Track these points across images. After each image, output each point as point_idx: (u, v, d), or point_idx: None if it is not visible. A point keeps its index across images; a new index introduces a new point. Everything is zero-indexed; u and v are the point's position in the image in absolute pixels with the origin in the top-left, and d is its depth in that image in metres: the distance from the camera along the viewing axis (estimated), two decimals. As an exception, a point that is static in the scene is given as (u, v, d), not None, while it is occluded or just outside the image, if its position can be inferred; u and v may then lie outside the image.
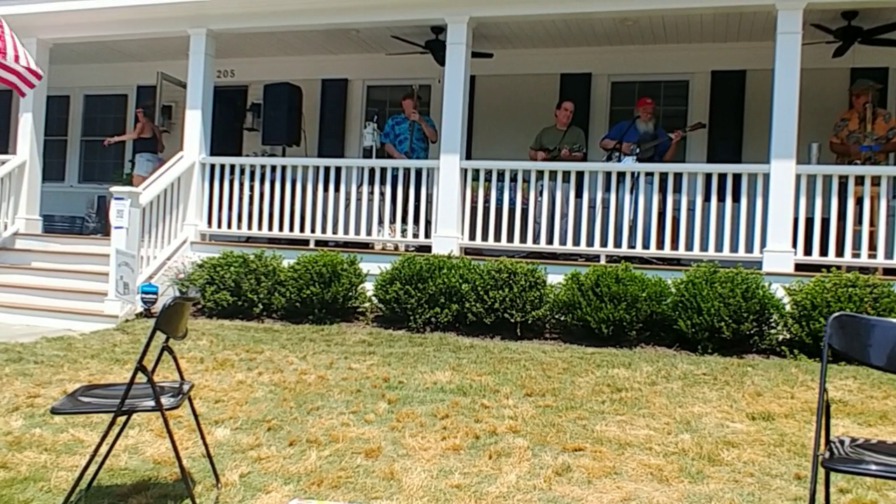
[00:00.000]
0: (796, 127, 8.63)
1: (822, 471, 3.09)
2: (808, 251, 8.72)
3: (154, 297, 9.53)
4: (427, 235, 10.05)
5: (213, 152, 11.17)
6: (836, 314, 3.34)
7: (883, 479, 3.78)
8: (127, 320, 9.31)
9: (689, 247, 9.09)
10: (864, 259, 8.66)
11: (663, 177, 9.42)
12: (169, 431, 3.71)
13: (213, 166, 10.95)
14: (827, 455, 3.07)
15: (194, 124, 10.96)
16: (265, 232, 10.69)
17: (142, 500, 3.98)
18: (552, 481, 4.30)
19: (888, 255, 8.55)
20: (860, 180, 8.76)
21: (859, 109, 9.46)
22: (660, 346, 8.04)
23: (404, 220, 10.20)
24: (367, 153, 11.41)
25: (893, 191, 8.64)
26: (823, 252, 8.68)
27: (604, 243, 9.43)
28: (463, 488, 4.18)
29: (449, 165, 9.79)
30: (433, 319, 8.62)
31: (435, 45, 11.20)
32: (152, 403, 3.63)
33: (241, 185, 10.85)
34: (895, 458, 3.04)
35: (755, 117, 10.88)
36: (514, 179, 9.86)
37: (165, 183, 10.44)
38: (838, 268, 8.12)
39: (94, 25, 11.39)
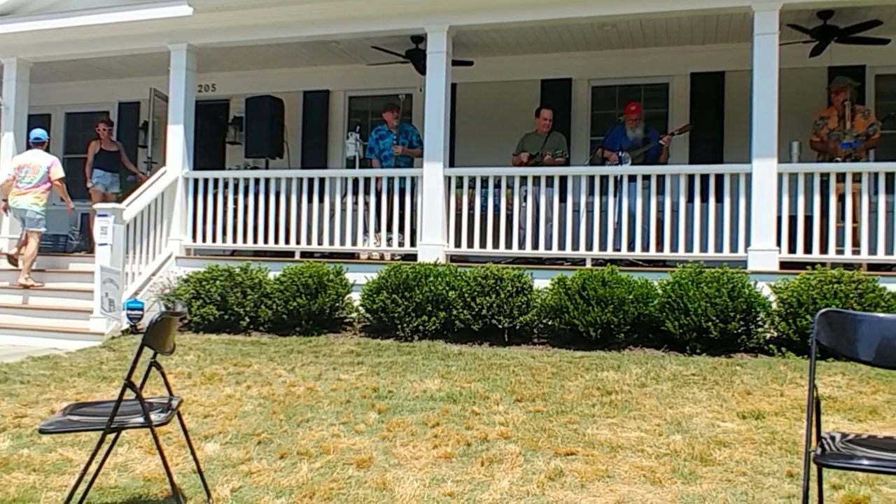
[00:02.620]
0: (776, 126, 8.68)
1: (814, 468, 3.09)
2: (792, 249, 8.76)
3: (140, 313, 9.49)
4: (413, 244, 10.04)
5: (197, 166, 11.17)
6: (823, 310, 3.33)
7: (875, 473, 3.81)
8: (113, 337, 9.26)
9: (675, 248, 9.13)
10: (848, 255, 8.71)
11: (647, 179, 9.45)
12: (159, 447, 3.69)
13: (196, 181, 10.93)
14: (819, 452, 3.06)
15: (177, 139, 10.96)
16: (250, 245, 10.68)
17: (133, 518, 3.97)
18: (545, 486, 4.29)
19: (872, 251, 8.61)
20: (842, 177, 8.82)
21: (838, 107, 9.53)
22: (648, 347, 8.06)
23: (389, 230, 10.19)
24: (350, 164, 11.39)
25: (875, 187, 8.68)
26: (808, 249, 8.72)
27: (589, 247, 9.45)
28: (456, 496, 4.18)
29: (432, 173, 9.80)
30: (421, 328, 8.61)
31: (415, 55, 11.22)
32: (141, 420, 3.62)
33: (225, 198, 10.84)
34: (886, 453, 3.04)
35: (735, 118, 10.92)
36: (497, 186, 9.87)
37: (149, 198, 10.41)
38: (823, 265, 8.14)
39: (74, 43, 11.39)
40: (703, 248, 9.13)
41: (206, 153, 12.57)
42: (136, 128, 13.77)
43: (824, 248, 8.70)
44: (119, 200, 10.76)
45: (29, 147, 11.26)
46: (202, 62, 11.43)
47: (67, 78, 13.87)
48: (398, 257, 10.19)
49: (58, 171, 10.98)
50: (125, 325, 9.49)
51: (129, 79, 13.73)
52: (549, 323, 8.47)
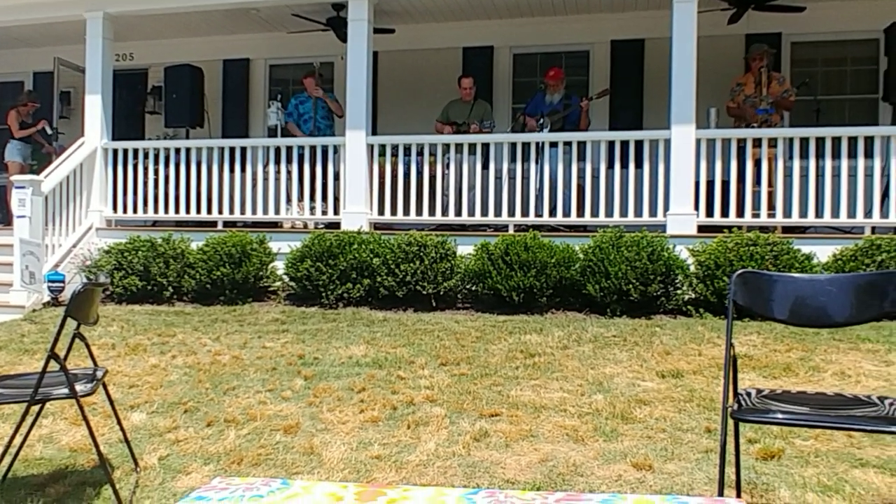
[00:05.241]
0: (694, 93, 8.83)
1: (731, 423, 3.20)
2: (710, 213, 8.94)
3: (61, 285, 9.34)
4: (336, 212, 10.02)
5: (116, 137, 10.93)
6: (740, 271, 3.45)
7: (788, 426, 3.96)
8: (34, 310, 9.10)
9: (595, 213, 9.24)
10: (763, 219, 8.90)
11: (568, 145, 9.56)
12: (85, 418, 3.68)
13: (115, 151, 10.72)
14: (736, 407, 3.18)
15: (95, 109, 10.72)
16: (172, 215, 10.55)
17: (60, 488, 3.95)
18: (471, 447, 4.37)
19: (787, 214, 8.84)
20: (758, 143, 9.01)
21: (755, 73, 9.72)
22: (570, 310, 8.17)
23: (312, 198, 10.15)
24: (272, 132, 11.28)
25: (790, 152, 8.89)
26: (725, 213, 8.91)
27: (512, 213, 9.53)
28: (383, 459, 4.24)
29: (355, 142, 9.77)
30: (345, 295, 8.63)
31: (336, 23, 11.13)
32: (66, 391, 3.59)
33: (146, 168, 10.67)
34: (799, 407, 3.17)
35: (655, 85, 11.08)
36: (420, 153, 9.88)
37: (67, 170, 10.19)
38: (739, 228, 8.32)
39: (-13, 11, 11.05)
40: (624, 213, 9.28)
41: (125, 123, 12.33)
42: (51, 98, 13.42)
43: (741, 212, 8.91)
44: (36, 173, 10.55)
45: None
46: (119, 30, 11.16)
47: (-21, 47, 13.48)
48: (322, 226, 10.15)
49: None
50: (46, 297, 9.32)
51: (45, 48, 13.31)
52: (473, 288, 8.55)
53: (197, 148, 10.56)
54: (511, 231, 9.27)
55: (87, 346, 4.13)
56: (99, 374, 3.95)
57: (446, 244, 8.59)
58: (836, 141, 8.73)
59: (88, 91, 10.82)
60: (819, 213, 8.76)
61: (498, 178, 9.70)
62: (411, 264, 8.41)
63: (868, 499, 3.66)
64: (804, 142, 8.85)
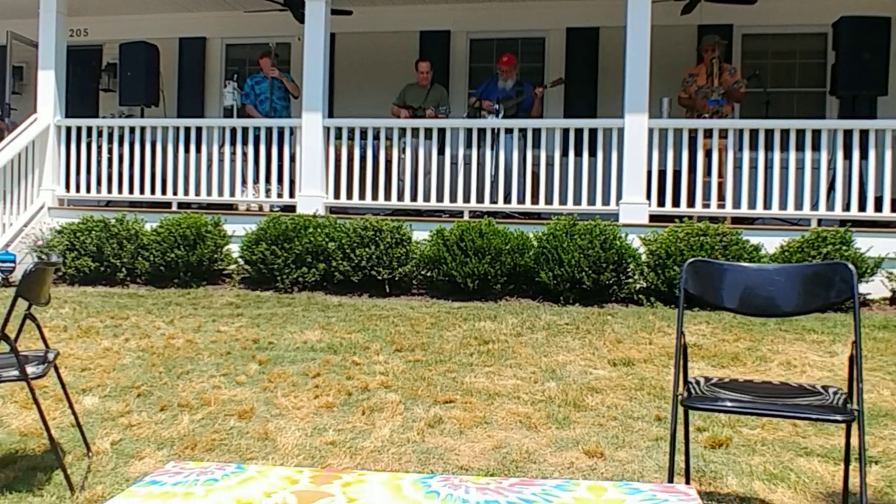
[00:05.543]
0: (648, 82, 8.92)
1: (681, 411, 3.28)
2: (661, 202, 9.06)
3: (11, 265, 9.21)
4: (292, 195, 9.99)
5: (69, 114, 10.76)
6: (692, 260, 3.52)
7: (736, 413, 4.06)
8: (-18, 290, 9.00)
9: (549, 201, 9.31)
10: (713, 209, 9.06)
11: (523, 132, 9.63)
12: (36, 401, 3.65)
13: (69, 129, 10.55)
14: (685, 395, 3.26)
15: (47, 85, 10.52)
16: (126, 195, 10.42)
17: (9, 473, 3.92)
18: (425, 433, 4.42)
19: (736, 205, 8.97)
20: (709, 133, 9.17)
21: (708, 64, 9.84)
22: (523, 298, 8.25)
23: (268, 181, 10.10)
24: (227, 113, 11.21)
25: (739, 143, 9.03)
26: (676, 203, 9.02)
27: (467, 199, 9.57)
28: (338, 444, 4.27)
29: (311, 124, 9.75)
30: (301, 279, 8.63)
31: (294, 3, 11.03)
32: (16, 373, 3.56)
33: (100, 147, 10.51)
34: (746, 395, 3.25)
35: (609, 74, 11.17)
36: (377, 137, 9.85)
37: (19, 147, 10.05)
38: (690, 218, 8.45)
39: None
40: (577, 201, 9.35)
41: (79, 101, 12.15)
42: (3, 73, 13.17)
43: (691, 202, 9.02)
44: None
45: None
46: (74, 4, 10.96)
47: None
48: (277, 209, 10.13)
49: None
50: (-5, 277, 9.22)
51: None
52: (428, 274, 8.59)
53: (152, 127, 10.44)
54: (466, 217, 9.32)
55: (39, 327, 4.09)
56: (50, 356, 3.91)
57: (402, 229, 8.61)
58: (785, 133, 8.89)
59: (41, 67, 10.60)
60: (767, 205, 8.90)
61: (454, 163, 9.74)
62: (367, 249, 8.43)
63: (812, 487, 3.75)
64: (754, 133, 9.00)
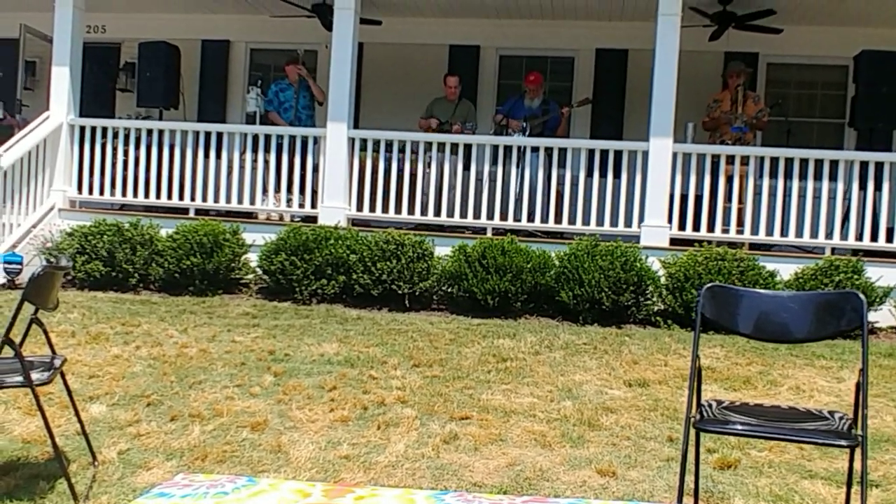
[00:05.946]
0: (674, 106, 8.90)
1: (693, 432, 3.26)
2: (682, 226, 9.07)
3: (18, 267, 9.08)
4: (313, 206, 9.93)
5: (83, 113, 10.60)
6: (709, 285, 3.54)
7: (746, 437, 4.06)
8: (-12, 292, 8.91)
9: (573, 221, 9.26)
10: (732, 234, 9.11)
11: (548, 151, 9.57)
12: (40, 408, 3.55)
13: (83, 128, 10.37)
14: (698, 417, 3.27)
15: (62, 82, 10.33)
16: (141, 199, 10.28)
17: (11, 481, 3.81)
18: (440, 449, 4.36)
19: (754, 231, 9.01)
20: (731, 160, 9.22)
21: (732, 91, 9.82)
22: (543, 316, 8.22)
23: (290, 190, 10.06)
24: (250, 119, 11.10)
25: (760, 170, 9.03)
26: (696, 227, 9.03)
27: (490, 216, 9.51)
28: (352, 459, 4.21)
29: (336, 134, 9.69)
30: (319, 291, 8.56)
31: (322, 10, 10.98)
32: (21, 379, 3.45)
33: (115, 149, 10.36)
34: (756, 419, 3.28)
35: (636, 96, 11.12)
36: (402, 150, 9.78)
37: (29, 145, 9.84)
38: (709, 242, 8.47)
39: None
40: (600, 222, 9.31)
41: (94, 100, 12.02)
42: (15, 68, 13.04)
43: (711, 227, 9.02)
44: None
45: None
46: (92, 0, 10.81)
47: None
48: (298, 219, 10.06)
49: None
50: (1, 279, 9.04)
51: (9, 13, 12.55)
52: (449, 290, 8.54)
53: (171, 130, 10.34)
54: (489, 234, 9.26)
55: (45, 332, 3.98)
56: (57, 362, 3.82)
57: (424, 244, 8.56)
58: (804, 162, 8.94)
59: (56, 63, 10.40)
60: (784, 232, 8.99)
61: (478, 179, 9.68)
62: (388, 263, 8.37)
63: (816, 510, 3.75)
64: (774, 161, 9.03)
